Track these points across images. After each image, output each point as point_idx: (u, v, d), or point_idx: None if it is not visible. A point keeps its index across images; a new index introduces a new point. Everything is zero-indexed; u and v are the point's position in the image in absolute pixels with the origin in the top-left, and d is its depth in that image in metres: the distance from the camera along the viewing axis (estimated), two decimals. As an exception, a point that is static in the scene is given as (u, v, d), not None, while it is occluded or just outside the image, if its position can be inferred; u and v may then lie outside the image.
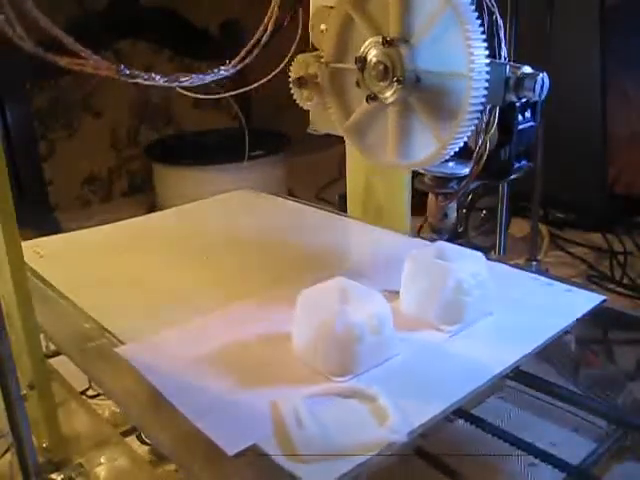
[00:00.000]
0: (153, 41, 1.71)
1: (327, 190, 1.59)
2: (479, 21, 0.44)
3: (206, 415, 0.43)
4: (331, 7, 0.52)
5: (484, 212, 1.18)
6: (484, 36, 0.44)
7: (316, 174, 1.63)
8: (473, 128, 0.46)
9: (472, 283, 0.53)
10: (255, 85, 0.54)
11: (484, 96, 0.45)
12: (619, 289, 1.06)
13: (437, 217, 0.55)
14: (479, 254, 0.55)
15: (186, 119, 1.78)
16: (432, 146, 0.48)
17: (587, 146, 1.24)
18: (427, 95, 0.47)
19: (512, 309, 0.56)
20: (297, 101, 0.56)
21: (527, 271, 0.65)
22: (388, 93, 0.48)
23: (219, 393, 0.45)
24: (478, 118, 0.46)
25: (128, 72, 0.43)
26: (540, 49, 0.87)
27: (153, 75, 0.44)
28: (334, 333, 0.45)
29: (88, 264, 0.69)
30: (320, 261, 0.67)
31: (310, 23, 0.54)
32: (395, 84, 0.47)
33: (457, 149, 0.47)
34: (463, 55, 0.44)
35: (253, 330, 0.53)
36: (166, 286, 0.63)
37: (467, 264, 0.53)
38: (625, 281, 1.08)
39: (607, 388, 0.68)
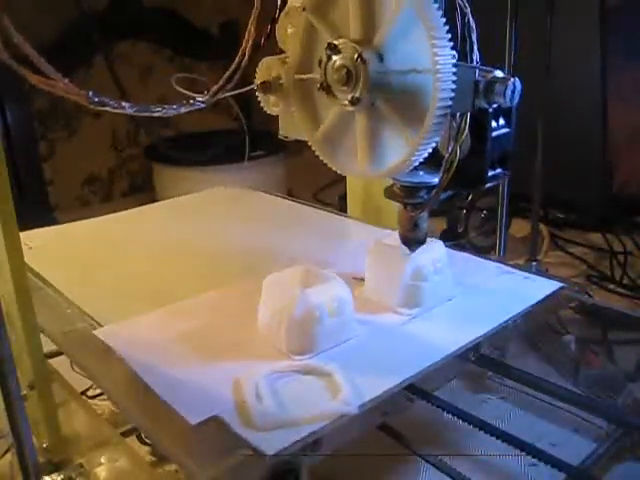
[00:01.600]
0: (153, 41, 1.71)
1: (324, 192, 1.59)
2: (444, 20, 0.42)
3: (172, 388, 0.45)
4: (297, 7, 0.49)
5: (484, 212, 1.18)
6: (449, 36, 0.42)
7: (316, 174, 1.63)
8: (441, 134, 0.45)
9: (431, 270, 0.55)
10: (253, 86, 0.53)
11: (451, 99, 0.43)
12: (619, 289, 1.06)
13: (406, 228, 0.53)
14: (439, 242, 0.57)
15: (186, 120, 1.78)
16: (406, 147, 0.46)
17: (587, 146, 1.24)
18: (394, 97, 0.45)
19: (470, 295, 0.59)
20: (263, 107, 0.54)
21: (488, 259, 0.68)
22: (348, 99, 0.46)
23: (186, 369, 0.48)
24: (443, 123, 0.44)
25: (97, 99, 0.42)
26: (540, 49, 0.87)
27: (123, 103, 0.44)
28: (295, 314, 0.48)
29: (75, 255, 0.72)
30: (295, 252, 0.69)
31: (277, 25, 0.51)
32: (357, 89, 0.45)
33: (424, 157, 0.45)
34: (428, 56, 0.42)
35: (224, 314, 0.56)
36: (150, 277, 0.66)
37: (427, 251, 0.55)
38: (625, 281, 1.08)
39: (607, 388, 0.68)
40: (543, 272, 0.72)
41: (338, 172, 0.52)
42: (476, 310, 0.56)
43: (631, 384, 0.69)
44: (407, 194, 0.52)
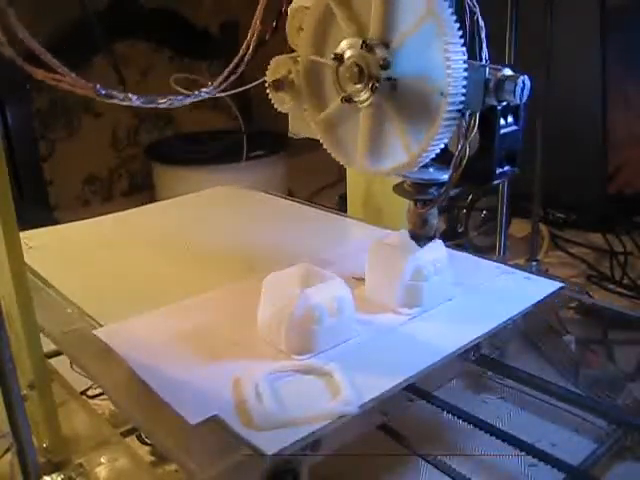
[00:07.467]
0: (153, 41, 1.71)
1: (325, 192, 1.58)
2: (460, 32, 0.43)
3: (172, 388, 0.45)
4: (306, 7, 0.50)
5: (484, 212, 1.18)
6: (464, 49, 0.43)
7: (316, 174, 1.63)
8: (450, 135, 0.45)
9: (431, 269, 0.55)
10: (253, 84, 0.53)
11: (461, 102, 0.43)
12: (619, 289, 1.06)
13: (416, 224, 0.54)
14: (439, 242, 0.57)
15: (186, 119, 1.78)
16: (405, 153, 0.47)
17: (587, 146, 1.24)
18: (402, 101, 0.46)
19: (471, 295, 0.59)
20: (274, 105, 0.54)
21: (488, 259, 0.68)
22: (363, 96, 0.47)
23: (186, 369, 0.48)
24: (454, 125, 0.44)
25: (104, 92, 0.42)
26: (540, 49, 0.87)
27: (129, 95, 0.44)
28: (295, 314, 0.48)
29: (75, 255, 0.72)
30: (294, 251, 0.69)
31: (287, 23, 0.52)
32: (369, 89, 0.46)
33: (433, 157, 0.46)
34: (441, 66, 0.43)
35: (223, 313, 0.56)
36: (149, 277, 0.66)
37: (426, 251, 0.55)
38: (625, 281, 1.08)
39: (607, 388, 0.68)
40: (543, 272, 0.72)
41: (340, 163, 0.52)
42: (476, 310, 0.56)
43: (631, 384, 0.69)
44: (417, 191, 0.52)
